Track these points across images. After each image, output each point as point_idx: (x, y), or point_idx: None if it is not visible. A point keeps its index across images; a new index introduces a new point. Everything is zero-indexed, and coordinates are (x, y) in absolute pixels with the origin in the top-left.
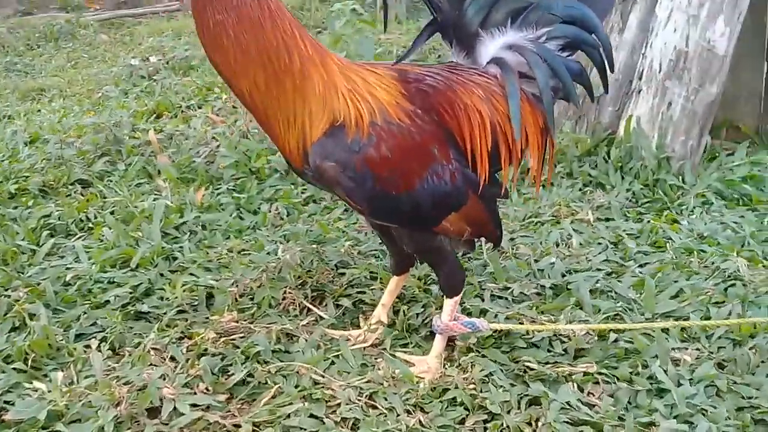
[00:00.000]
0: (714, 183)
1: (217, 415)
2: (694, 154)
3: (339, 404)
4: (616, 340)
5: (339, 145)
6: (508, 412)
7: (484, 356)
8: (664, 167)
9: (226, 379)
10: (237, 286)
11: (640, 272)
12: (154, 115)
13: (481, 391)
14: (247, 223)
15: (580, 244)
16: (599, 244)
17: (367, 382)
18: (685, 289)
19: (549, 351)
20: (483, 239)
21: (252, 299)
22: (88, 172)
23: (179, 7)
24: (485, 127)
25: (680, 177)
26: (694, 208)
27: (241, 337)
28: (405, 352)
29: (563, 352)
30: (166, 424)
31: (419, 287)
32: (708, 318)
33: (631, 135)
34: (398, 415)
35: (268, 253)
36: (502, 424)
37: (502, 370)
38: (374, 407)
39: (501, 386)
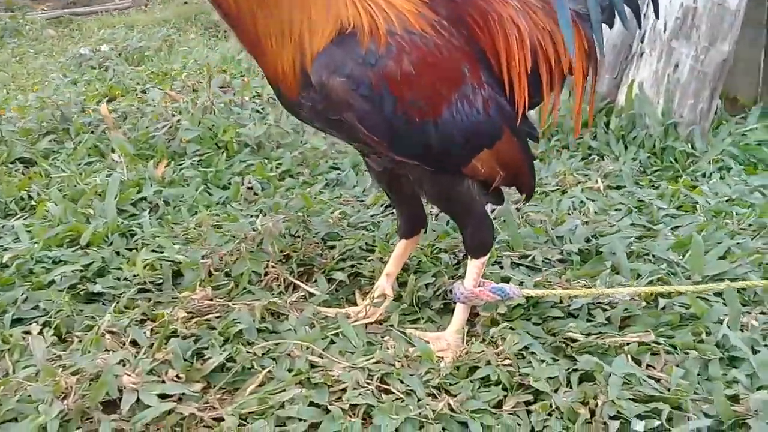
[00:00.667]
0: (728, 148)
1: (193, 407)
2: (704, 119)
3: (345, 389)
4: (664, 307)
5: (350, 55)
6: (556, 391)
7: (512, 329)
8: (672, 134)
9: (201, 364)
10: (210, 259)
11: (676, 234)
12: (106, 99)
13: (519, 368)
14: (216, 198)
15: (595, 212)
16: (618, 210)
17: (376, 362)
18: (734, 249)
19: (589, 320)
20: (515, 188)
21: (228, 275)
22: (31, 150)
23: (131, 3)
24: (523, 44)
25: (690, 143)
26: (711, 173)
27: (218, 317)
28: (416, 328)
29: (606, 322)
30: (127, 420)
31: (427, 255)
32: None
33: (633, 102)
34: (419, 400)
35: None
36: (550, 405)
37: (540, 343)
38: (388, 391)
39: (543, 361)
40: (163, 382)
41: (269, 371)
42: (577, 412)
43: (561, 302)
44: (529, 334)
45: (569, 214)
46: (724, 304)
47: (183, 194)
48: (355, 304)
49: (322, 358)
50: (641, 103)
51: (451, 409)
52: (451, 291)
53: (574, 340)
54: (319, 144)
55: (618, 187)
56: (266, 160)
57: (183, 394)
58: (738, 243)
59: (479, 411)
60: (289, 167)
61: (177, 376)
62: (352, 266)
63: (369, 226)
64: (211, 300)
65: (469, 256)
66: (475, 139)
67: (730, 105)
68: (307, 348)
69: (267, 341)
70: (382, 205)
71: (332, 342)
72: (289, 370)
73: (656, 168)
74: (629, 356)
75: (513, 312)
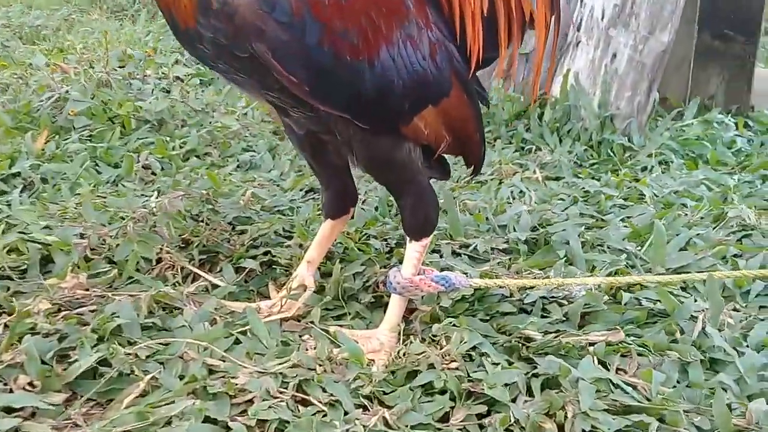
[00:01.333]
0: (668, 142)
1: (47, 425)
2: (642, 113)
3: (251, 400)
4: (627, 302)
5: None
6: (514, 400)
7: (456, 326)
8: (608, 127)
9: (64, 368)
10: (87, 239)
11: (628, 224)
12: None
13: (468, 373)
14: (105, 176)
15: (536, 202)
16: (561, 200)
17: (292, 367)
18: (695, 240)
19: (544, 317)
20: (461, 159)
21: (110, 261)
22: None
23: None
24: None
25: (627, 137)
26: (652, 167)
27: (93, 310)
28: (341, 326)
29: (564, 318)
30: None
31: (354, 241)
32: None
33: (568, 93)
34: (346, 413)
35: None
36: (509, 418)
37: (491, 343)
38: (307, 402)
39: (497, 364)
40: (11, 391)
41: (154, 378)
42: (542, 426)
43: (511, 296)
44: (477, 332)
45: (509, 202)
46: (695, 299)
47: (65, 171)
48: (267, 297)
49: (223, 361)
50: (577, 94)
51: (387, 425)
52: (384, 281)
53: (529, 339)
54: (231, 123)
55: (557, 178)
56: (168, 139)
57: (36, 407)
58: (698, 234)
59: (421, 426)
60: (195, 147)
61: (30, 384)
62: (266, 253)
63: (286, 211)
64: (87, 290)
65: (407, 238)
66: (418, 92)
67: (660, 104)
68: (205, 349)
69: (153, 340)
70: (302, 190)
71: (237, 342)
72: (181, 377)
73: (593, 161)
74: (595, 358)
75: (456, 307)
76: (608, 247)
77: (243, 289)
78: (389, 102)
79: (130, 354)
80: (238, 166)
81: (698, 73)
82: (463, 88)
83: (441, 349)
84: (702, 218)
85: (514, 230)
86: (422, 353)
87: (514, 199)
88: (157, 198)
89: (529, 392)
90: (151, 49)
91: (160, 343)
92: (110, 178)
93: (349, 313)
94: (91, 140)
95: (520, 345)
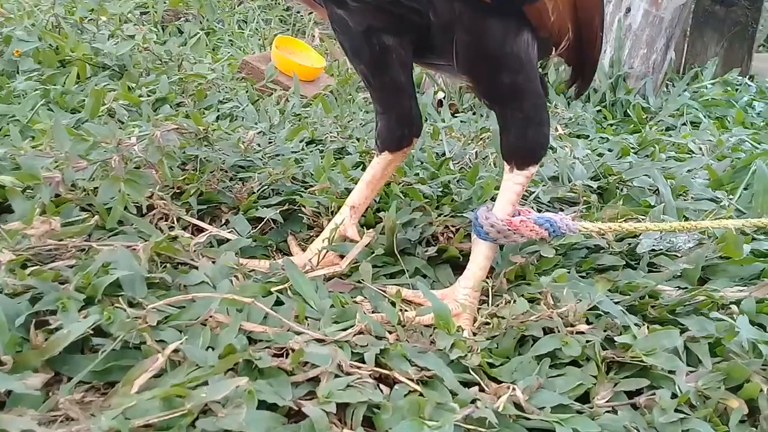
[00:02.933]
0: (689, 102)
1: (29, 417)
2: (658, 72)
3: (316, 378)
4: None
5: None
6: (672, 372)
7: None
8: (621, 87)
9: (44, 339)
10: (59, 173)
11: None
12: None
13: (606, 339)
14: (64, 121)
15: (575, 156)
16: (600, 155)
17: (358, 334)
18: None
19: (652, 271)
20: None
21: (88, 207)
22: None
23: None
24: None
25: (643, 97)
26: (679, 127)
27: (72, 265)
28: (397, 285)
29: (679, 275)
30: None
31: (396, 184)
32: None
33: None
34: (455, 394)
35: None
36: (675, 394)
37: (612, 301)
38: (391, 381)
39: (635, 325)
40: None
41: (176, 351)
42: (727, 404)
43: (609, 248)
44: (590, 288)
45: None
46: None
47: (13, 113)
48: (288, 254)
49: (268, 325)
50: None
51: (518, 407)
52: (473, 222)
53: (653, 297)
54: (205, 72)
55: (580, 136)
56: (134, 85)
57: (8, 391)
58: None
59: (560, 408)
60: (165, 95)
61: None
62: (282, 203)
63: (293, 160)
64: (61, 240)
65: (507, 166)
66: None
67: None
68: (239, 311)
69: (164, 300)
70: (301, 141)
71: (279, 303)
72: (209, 348)
73: (611, 122)
74: (746, 318)
75: (542, 262)
76: (693, 197)
77: (258, 244)
78: None
79: (135, 318)
80: (218, 118)
81: (695, 40)
82: None
83: (549, 309)
84: None
85: (569, 180)
86: (530, 315)
87: (550, 154)
88: (139, 131)
89: (690, 361)
90: None
91: (175, 304)
92: (70, 123)
93: (407, 270)
94: (42, 84)
95: (646, 304)
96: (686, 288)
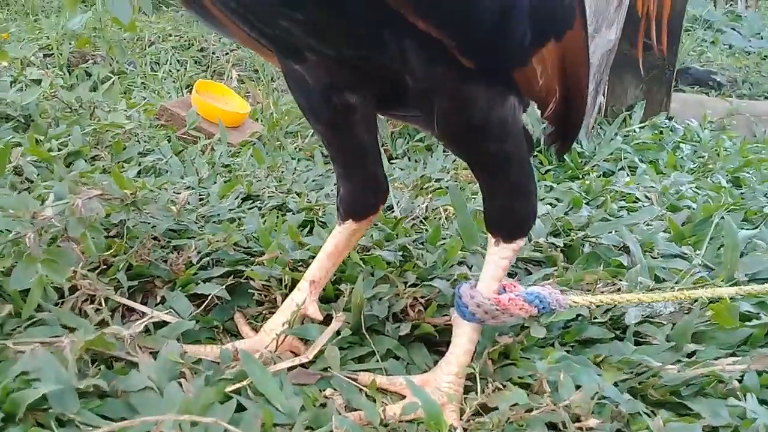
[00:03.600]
0: (622, 146)
1: None
2: (588, 116)
3: None
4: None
5: None
6: None
7: (540, 360)
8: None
9: None
10: None
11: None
12: None
13: None
14: None
15: None
16: (551, 205)
17: None
18: (756, 241)
19: (639, 343)
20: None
21: (1, 289)
22: None
23: None
24: None
25: (577, 142)
26: (619, 170)
27: None
28: (366, 370)
29: (666, 341)
30: None
31: (356, 252)
32: None
33: None
34: None
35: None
36: None
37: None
38: None
39: (647, 414)
40: None
41: None
42: None
43: (593, 318)
44: (581, 368)
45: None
46: None
47: None
48: (235, 335)
49: None
50: None
51: None
52: (456, 302)
53: (643, 374)
54: (122, 121)
55: None
56: (42, 138)
57: None
58: (752, 234)
59: None
60: (78, 148)
61: None
62: (227, 275)
63: (228, 221)
64: None
65: (492, 240)
66: (545, 17)
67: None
68: (194, 425)
69: (104, 420)
70: (236, 198)
71: (241, 408)
72: None
73: (548, 168)
74: (754, 397)
75: (525, 334)
76: (659, 253)
77: (202, 326)
78: (511, 26)
79: None
80: (139, 172)
81: (614, 83)
82: (582, 18)
83: (543, 396)
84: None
85: (530, 238)
86: (528, 407)
87: None
88: (53, 200)
89: None
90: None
91: (112, 418)
92: None
93: (377, 352)
94: None
95: (644, 384)
96: (679, 361)
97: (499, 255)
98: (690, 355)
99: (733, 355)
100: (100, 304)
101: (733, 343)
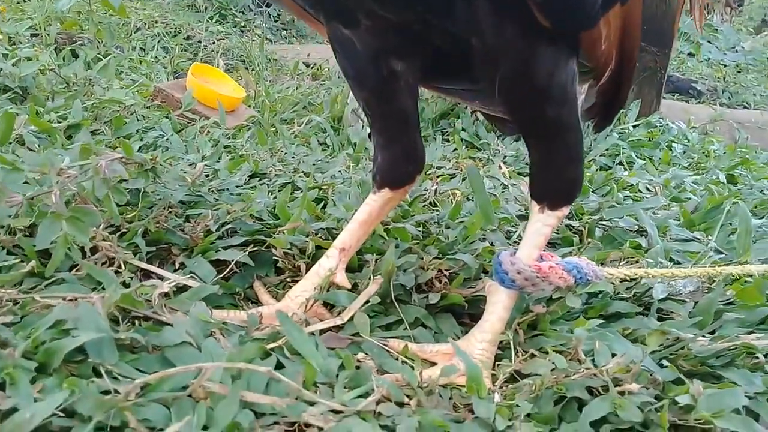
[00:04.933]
0: (618, 143)
1: None
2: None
3: None
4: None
5: None
6: None
7: (570, 332)
8: None
9: None
10: None
11: (667, 211)
12: None
13: (659, 400)
14: None
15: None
16: None
17: (379, 402)
18: (765, 229)
19: (662, 319)
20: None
21: (15, 249)
22: None
23: None
24: None
25: None
26: (617, 164)
27: (11, 323)
28: (395, 337)
29: (689, 318)
30: None
31: (381, 224)
32: None
33: None
34: None
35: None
36: None
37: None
38: None
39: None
40: None
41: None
42: None
43: (617, 293)
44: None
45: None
46: None
47: None
48: (256, 302)
49: (272, 394)
50: None
51: None
52: (495, 269)
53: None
54: (121, 97)
55: (523, 174)
56: (41, 109)
57: None
58: (762, 223)
59: None
60: (78, 121)
61: None
62: (246, 243)
63: (244, 193)
64: None
65: (537, 207)
66: None
67: None
68: (236, 377)
69: (140, 374)
70: (245, 175)
71: (280, 365)
72: (204, 429)
73: None
74: None
75: (551, 307)
76: (672, 238)
77: (225, 292)
78: None
79: (117, 393)
80: (140, 148)
81: None
82: None
83: (581, 364)
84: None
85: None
86: (567, 372)
87: (504, 189)
88: (73, 158)
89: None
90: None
91: (144, 371)
92: None
93: (405, 320)
94: None
95: (678, 356)
96: (704, 336)
97: (543, 222)
98: (712, 332)
99: (752, 332)
100: (119, 267)
101: (753, 321)
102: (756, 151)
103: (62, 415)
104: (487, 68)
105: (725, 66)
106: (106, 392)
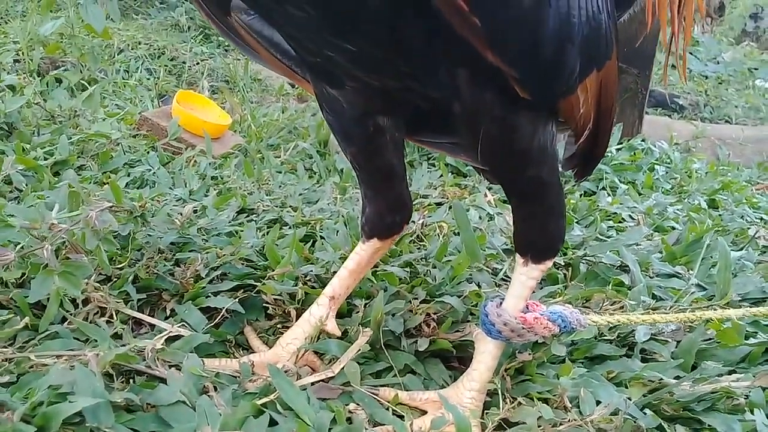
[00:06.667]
0: (601, 167)
1: None
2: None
3: None
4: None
5: None
6: None
7: (557, 377)
8: None
9: None
10: None
11: (650, 242)
12: None
13: None
14: None
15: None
16: None
17: None
18: (744, 263)
19: (646, 360)
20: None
21: (9, 303)
22: None
23: None
24: None
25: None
26: (600, 190)
27: (9, 384)
28: (384, 385)
29: (672, 358)
30: None
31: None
32: None
33: None
34: None
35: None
36: None
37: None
38: None
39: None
40: None
41: None
42: None
43: (600, 334)
44: (599, 385)
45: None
46: None
47: None
48: (247, 348)
49: None
50: None
51: None
52: (482, 320)
53: (657, 390)
54: (107, 130)
55: (506, 202)
56: (27, 146)
57: None
58: (739, 256)
59: None
60: (65, 157)
61: None
62: (236, 288)
63: (230, 234)
64: None
65: (521, 260)
66: (591, 47)
67: None
68: None
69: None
70: (233, 211)
71: (273, 423)
72: None
73: None
74: (762, 411)
75: (535, 350)
76: (655, 273)
77: (215, 339)
78: (566, 57)
79: None
80: (128, 183)
81: None
82: (617, 48)
83: (567, 412)
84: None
85: None
86: (553, 422)
87: (490, 220)
88: (59, 211)
89: None
90: None
91: None
92: None
93: (395, 367)
94: None
95: (659, 400)
96: (686, 377)
97: (527, 275)
98: (694, 367)
99: (733, 371)
100: (111, 317)
101: (733, 360)
102: (738, 168)
103: None
104: (468, 130)
105: (707, 78)
106: None
